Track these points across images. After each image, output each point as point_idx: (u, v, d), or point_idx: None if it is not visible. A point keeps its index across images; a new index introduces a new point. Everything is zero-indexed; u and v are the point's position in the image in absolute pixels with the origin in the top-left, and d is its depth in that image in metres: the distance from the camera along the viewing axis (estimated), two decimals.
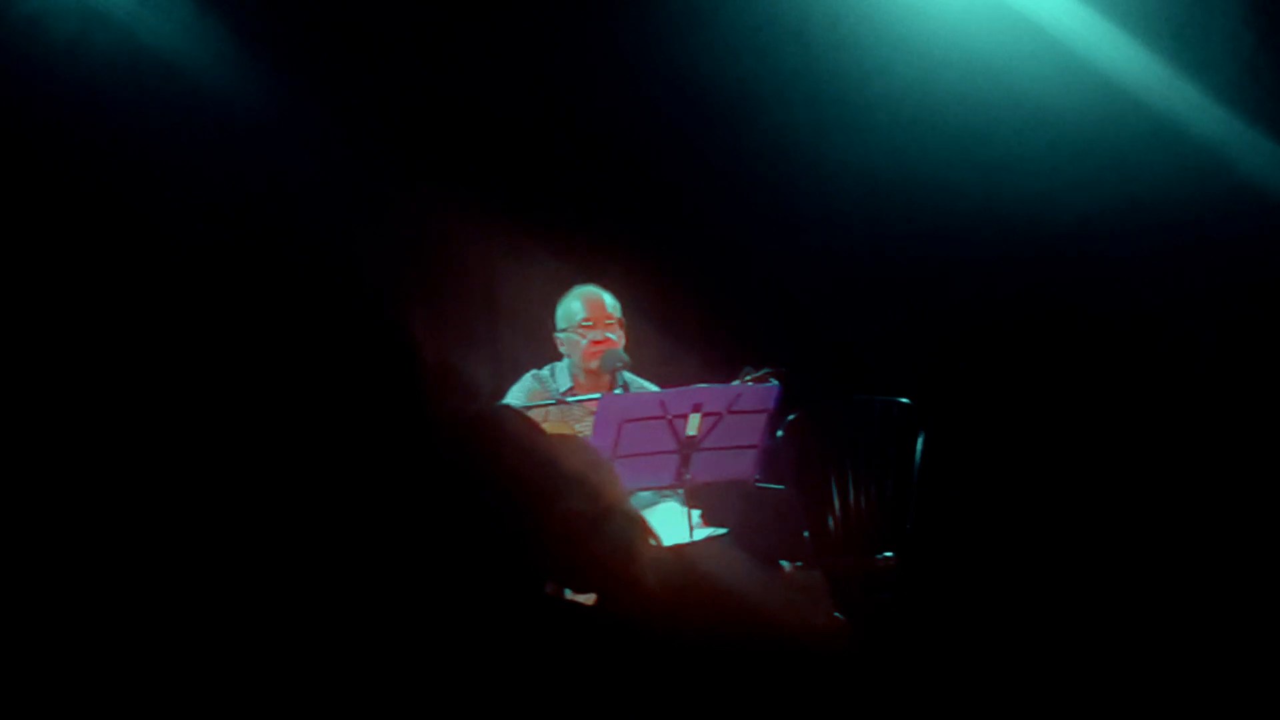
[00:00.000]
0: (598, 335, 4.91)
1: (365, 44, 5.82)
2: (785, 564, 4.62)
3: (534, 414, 4.77)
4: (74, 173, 5.45)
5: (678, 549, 4.28)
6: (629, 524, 2.72)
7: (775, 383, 4.51)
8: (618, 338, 4.94)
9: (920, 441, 5.42)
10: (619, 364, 4.85)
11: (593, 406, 4.69)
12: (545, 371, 5.04)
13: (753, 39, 5.94)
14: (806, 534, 5.43)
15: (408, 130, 5.94)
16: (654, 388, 4.97)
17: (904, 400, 5.52)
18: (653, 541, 2.79)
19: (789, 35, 5.93)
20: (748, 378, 4.58)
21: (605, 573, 2.68)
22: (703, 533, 4.60)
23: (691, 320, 6.15)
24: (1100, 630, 4.88)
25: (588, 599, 3.56)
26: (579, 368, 4.96)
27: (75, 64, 5.42)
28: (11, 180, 5.39)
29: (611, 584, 2.68)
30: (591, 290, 5.02)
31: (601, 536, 2.67)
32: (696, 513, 4.62)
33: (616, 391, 4.87)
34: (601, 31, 5.98)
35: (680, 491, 4.62)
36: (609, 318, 4.95)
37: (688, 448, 4.41)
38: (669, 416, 4.35)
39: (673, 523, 4.52)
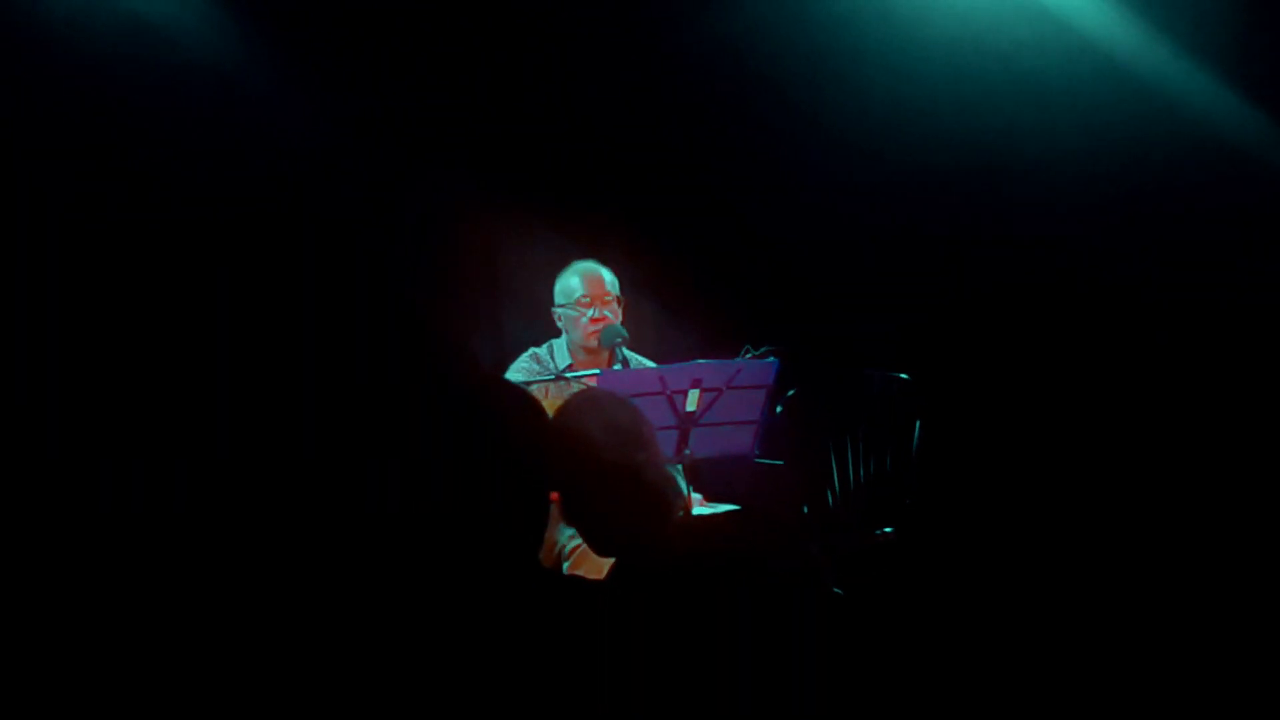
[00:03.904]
0: (596, 313, 4.90)
1: (367, 22, 5.81)
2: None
3: (533, 391, 4.77)
4: (73, 148, 5.44)
5: (705, 518, 4.31)
6: (664, 483, 2.72)
7: (775, 360, 4.52)
8: (616, 314, 4.94)
9: (920, 417, 5.43)
10: (619, 340, 4.85)
11: (592, 382, 4.69)
12: (543, 350, 5.04)
13: (750, 16, 5.93)
14: (805, 509, 5.45)
15: (409, 107, 5.93)
16: (652, 365, 4.98)
17: (904, 376, 5.52)
18: (682, 505, 2.80)
19: (787, 12, 5.92)
20: (748, 356, 4.59)
21: (635, 529, 2.68)
22: (721, 508, 4.62)
23: (691, 297, 6.15)
24: (1099, 606, 4.90)
25: (594, 571, 3.55)
26: (578, 344, 4.96)
27: (74, 40, 5.41)
28: (7, 158, 5.38)
29: (640, 542, 2.68)
30: (591, 266, 5.01)
31: (636, 492, 2.67)
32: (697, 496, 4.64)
33: (616, 368, 4.87)
34: (601, 10, 5.97)
35: (679, 467, 4.63)
36: (608, 294, 4.95)
37: (687, 423, 4.41)
38: (668, 392, 4.36)
39: None
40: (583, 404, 2.78)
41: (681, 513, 2.78)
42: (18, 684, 4.10)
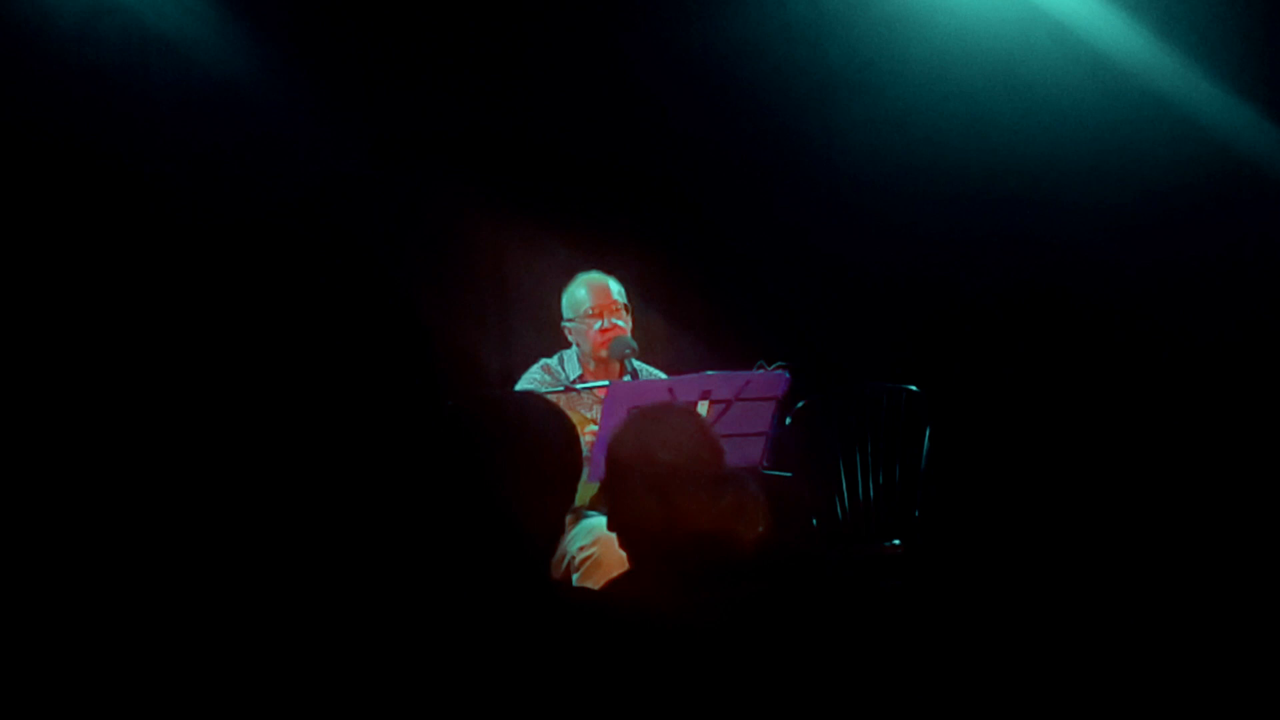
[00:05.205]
0: (605, 323, 4.90)
1: (377, 32, 5.81)
2: None
3: None
4: (81, 161, 5.45)
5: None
6: (742, 494, 2.74)
7: (785, 372, 4.52)
8: (625, 323, 4.93)
9: (928, 429, 5.42)
10: (627, 351, 4.85)
11: (602, 394, 4.69)
12: (554, 360, 5.04)
13: (760, 29, 5.94)
14: (815, 521, 5.44)
15: (418, 119, 5.93)
16: (662, 375, 4.97)
17: (912, 388, 5.52)
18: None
19: (795, 25, 5.92)
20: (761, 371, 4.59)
21: (715, 533, 2.69)
22: None
23: (700, 309, 6.15)
24: (1106, 618, 4.89)
25: (600, 579, 3.54)
26: (588, 356, 4.96)
27: (83, 50, 5.41)
28: (18, 170, 5.38)
29: (719, 546, 2.69)
30: (597, 277, 5.00)
31: (719, 498, 2.69)
32: None
33: (625, 379, 4.86)
34: (611, 23, 5.97)
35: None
36: (615, 304, 4.94)
37: None
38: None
39: None
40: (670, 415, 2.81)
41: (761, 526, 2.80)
42: (16, 683, 4.10)
